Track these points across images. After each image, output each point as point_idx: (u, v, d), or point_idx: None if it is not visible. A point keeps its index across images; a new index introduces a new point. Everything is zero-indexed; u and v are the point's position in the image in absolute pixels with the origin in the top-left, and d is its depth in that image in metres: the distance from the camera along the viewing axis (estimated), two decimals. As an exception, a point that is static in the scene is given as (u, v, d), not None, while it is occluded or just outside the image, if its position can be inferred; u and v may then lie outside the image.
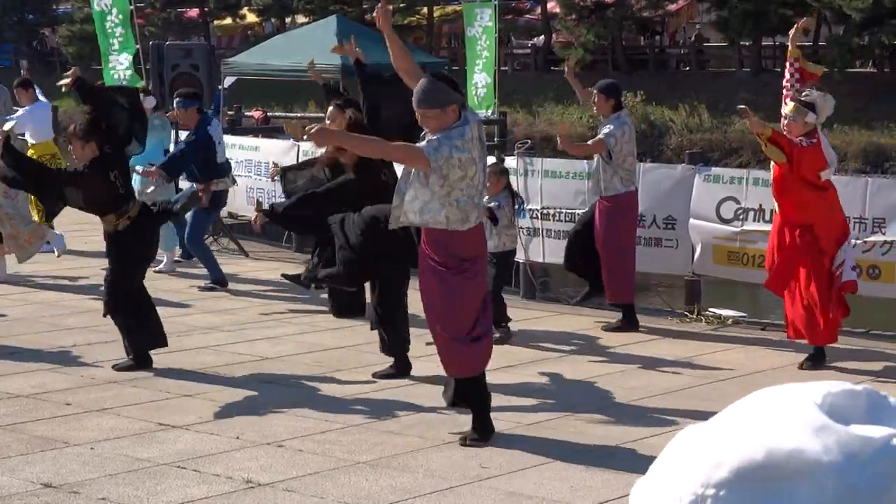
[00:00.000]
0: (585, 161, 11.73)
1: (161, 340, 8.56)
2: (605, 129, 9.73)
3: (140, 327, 8.53)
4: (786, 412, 1.15)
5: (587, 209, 10.21)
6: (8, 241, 11.71)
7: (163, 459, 6.50)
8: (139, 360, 8.47)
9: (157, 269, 12.16)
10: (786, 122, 8.51)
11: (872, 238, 9.45)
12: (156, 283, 11.95)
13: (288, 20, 45.74)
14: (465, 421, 7.21)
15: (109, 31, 16.06)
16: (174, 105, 11.76)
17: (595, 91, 9.92)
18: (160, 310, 10.67)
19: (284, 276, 10.87)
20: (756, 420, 1.16)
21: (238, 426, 7.14)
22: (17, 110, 13.95)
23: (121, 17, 15.88)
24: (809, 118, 8.43)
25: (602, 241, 9.81)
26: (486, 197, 9.48)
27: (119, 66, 16.04)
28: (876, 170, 25.74)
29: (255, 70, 23.99)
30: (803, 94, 8.56)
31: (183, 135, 12.93)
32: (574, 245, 10.10)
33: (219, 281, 11.66)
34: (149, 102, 13.14)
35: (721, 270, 10.48)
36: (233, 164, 13.84)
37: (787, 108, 8.54)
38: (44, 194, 8.82)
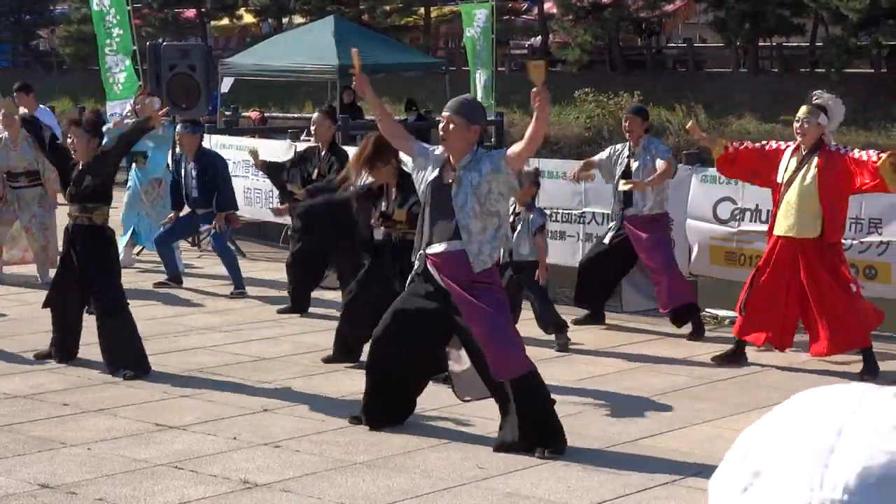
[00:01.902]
0: (583, 162, 11.74)
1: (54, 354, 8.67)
2: (663, 152, 9.75)
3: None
4: (884, 410, 1.14)
5: (606, 237, 10.02)
6: (39, 253, 11.72)
7: (160, 460, 6.50)
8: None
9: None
10: (799, 126, 8.43)
11: (869, 238, 9.46)
12: (152, 282, 11.96)
13: (285, 20, 45.72)
14: (463, 422, 7.20)
15: (107, 31, 16.05)
16: (179, 130, 11.76)
17: (630, 114, 9.95)
18: (159, 309, 10.71)
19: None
20: (867, 418, 1.14)
21: (235, 427, 7.14)
22: None
23: (118, 17, 15.87)
24: (822, 120, 8.41)
25: (664, 252, 9.79)
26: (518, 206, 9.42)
27: (115, 68, 16.03)
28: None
29: (253, 70, 23.99)
30: (814, 97, 8.51)
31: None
32: (586, 275, 10.03)
33: (237, 286, 11.58)
34: (154, 104, 13.14)
35: (718, 271, 10.48)
36: (230, 165, 13.83)
37: (802, 110, 8.43)
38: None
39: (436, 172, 6.70)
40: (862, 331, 8.52)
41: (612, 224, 10.08)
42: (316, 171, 10.44)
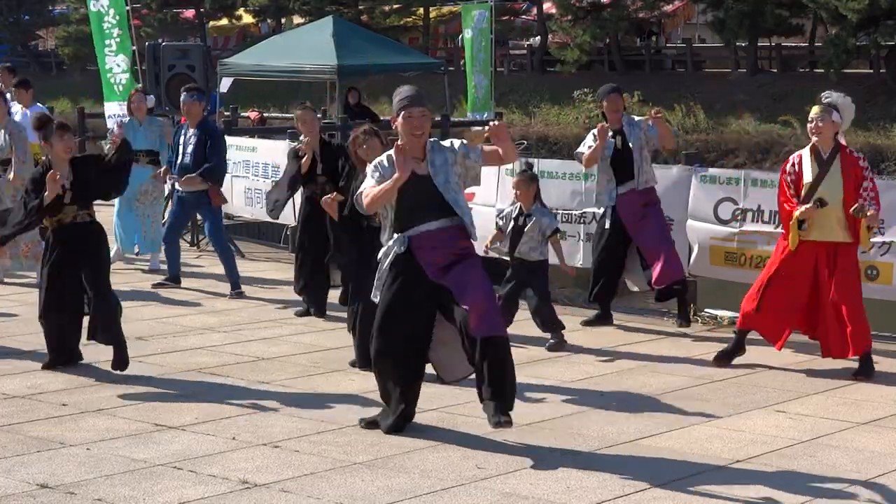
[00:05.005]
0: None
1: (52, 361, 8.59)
2: (650, 128, 9.89)
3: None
4: None
5: (601, 229, 10.08)
6: (10, 247, 11.63)
7: (159, 460, 6.50)
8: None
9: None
10: (813, 125, 8.41)
11: (871, 239, 9.43)
12: (151, 283, 11.96)
13: (284, 21, 45.73)
14: (462, 422, 7.21)
15: (107, 31, 16.05)
16: (184, 99, 11.48)
17: (614, 94, 10.02)
18: (158, 309, 10.71)
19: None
20: None
21: (234, 427, 7.14)
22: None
23: (118, 17, 15.88)
24: (835, 117, 8.40)
25: (659, 226, 9.90)
26: (518, 206, 9.46)
27: (116, 68, 16.03)
28: (873, 170, 25.72)
29: (251, 71, 23.99)
30: (824, 96, 8.51)
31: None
32: (600, 273, 10.05)
33: (234, 285, 11.53)
34: (149, 101, 13.12)
35: (718, 271, 10.47)
36: (230, 165, 13.81)
37: (814, 110, 8.42)
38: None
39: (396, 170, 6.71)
40: (869, 333, 8.54)
41: (605, 208, 10.02)
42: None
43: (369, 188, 6.77)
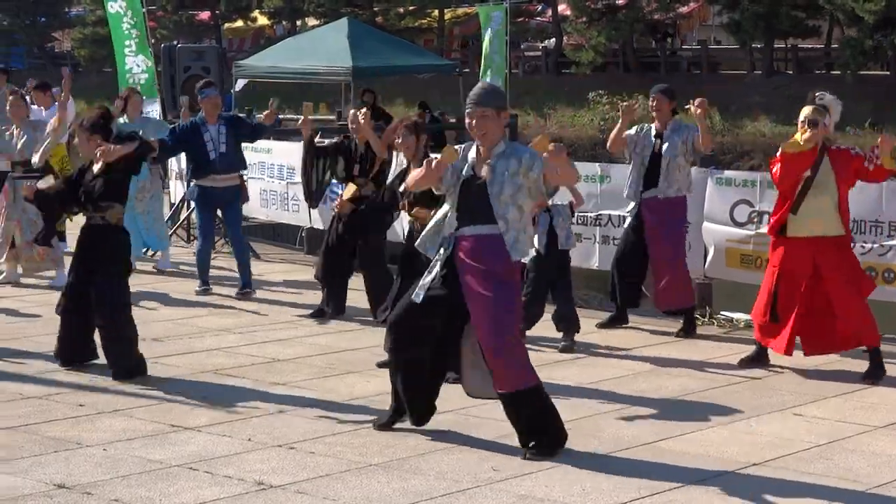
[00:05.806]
0: (598, 164, 11.73)
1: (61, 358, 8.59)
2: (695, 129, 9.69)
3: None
4: None
5: (628, 228, 10.04)
6: (24, 249, 11.66)
7: (175, 461, 6.51)
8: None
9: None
10: (804, 126, 8.39)
11: (889, 242, 9.42)
12: (167, 284, 12.00)
13: (299, 23, 45.79)
14: (476, 423, 7.20)
15: (126, 32, 16.11)
16: (203, 96, 11.37)
17: (657, 93, 9.84)
18: (173, 310, 10.73)
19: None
20: None
21: (250, 428, 7.15)
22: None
23: (135, 19, 15.95)
24: (826, 120, 8.38)
25: (675, 242, 9.83)
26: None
27: (136, 69, 16.08)
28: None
29: (266, 72, 24.03)
30: (817, 96, 8.46)
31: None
32: (622, 274, 10.00)
33: (247, 284, 11.52)
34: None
35: (734, 274, 10.46)
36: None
37: (806, 111, 8.35)
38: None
39: (469, 168, 6.63)
40: (875, 326, 8.50)
41: (631, 207, 10.00)
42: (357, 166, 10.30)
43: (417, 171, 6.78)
